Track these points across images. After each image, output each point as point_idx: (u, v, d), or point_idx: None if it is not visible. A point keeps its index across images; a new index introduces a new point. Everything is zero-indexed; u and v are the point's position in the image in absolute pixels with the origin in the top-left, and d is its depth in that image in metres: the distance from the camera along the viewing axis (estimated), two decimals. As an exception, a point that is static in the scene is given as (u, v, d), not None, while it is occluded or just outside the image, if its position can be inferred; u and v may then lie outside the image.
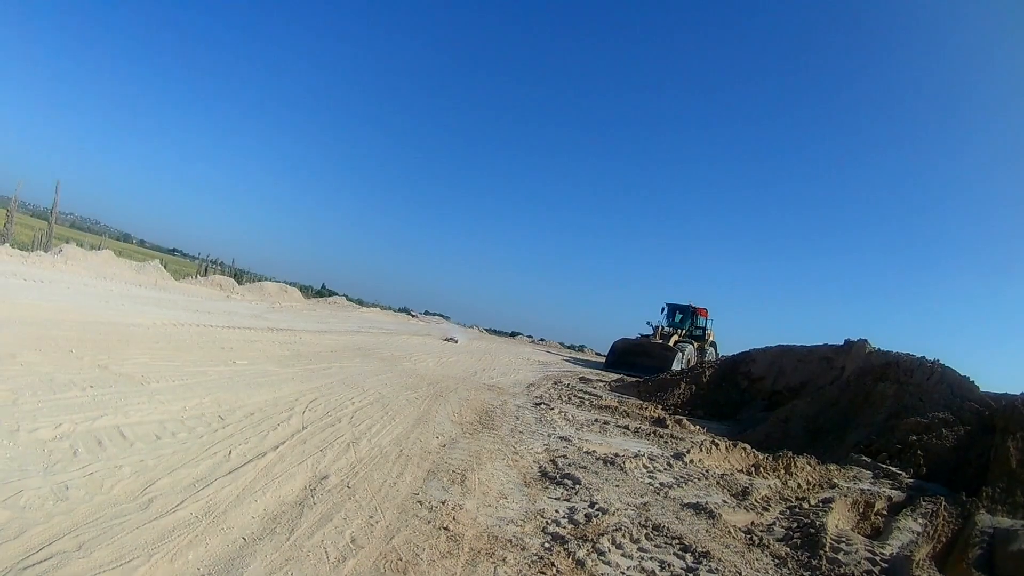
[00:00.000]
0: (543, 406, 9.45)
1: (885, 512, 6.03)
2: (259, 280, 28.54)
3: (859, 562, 4.14)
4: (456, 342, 20.34)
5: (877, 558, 4.30)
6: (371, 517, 3.59)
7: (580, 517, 4.23)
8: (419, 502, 3.99)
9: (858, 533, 5.23)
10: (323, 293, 37.74)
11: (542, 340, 50.21)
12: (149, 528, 2.90)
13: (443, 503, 4.04)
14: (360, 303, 37.92)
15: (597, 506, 4.53)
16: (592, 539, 3.82)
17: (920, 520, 5.57)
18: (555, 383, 14.13)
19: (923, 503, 6.17)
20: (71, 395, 4.41)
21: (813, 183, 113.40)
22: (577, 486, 4.99)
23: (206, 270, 26.52)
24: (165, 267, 19.97)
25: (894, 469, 7.59)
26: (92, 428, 3.92)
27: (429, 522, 3.68)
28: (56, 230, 19.27)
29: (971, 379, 9.65)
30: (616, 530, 4.03)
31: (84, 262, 15.30)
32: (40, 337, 5.93)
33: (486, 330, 47.28)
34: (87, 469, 3.33)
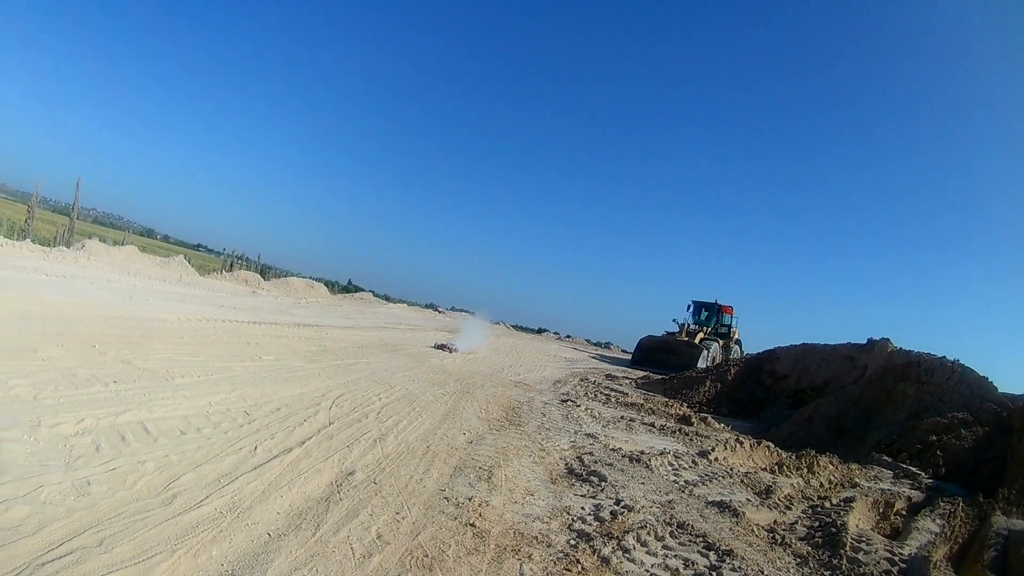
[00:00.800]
0: (570, 403, 9.22)
1: (904, 512, 5.89)
2: (285, 276, 27.56)
3: (878, 562, 4.02)
4: (452, 351, 13.45)
5: (896, 558, 4.18)
6: (397, 513, 3.44)
7: (606, 514, 4.10)
8: (446, 498, 3.84)
9: (878, 533, 5.09)
10: (349, 289, 36.24)
11: (568, 337, 48.25)
12: (172, 524, 2.76)
13: (470, 499, 3.88)
14: (387, 299, 36.60)
15: (623, 503, 4.39)
16: (617, 536, 3.70)
17: (938, 521, 5.41)
18: (581, 380, 13.76)
19: (941, 504, 5.99)
20: (94, 390, 4.24)
21: (841, 184, 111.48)
22: (603, 483, 4.83)
23: (231, 266, 25.31)
24: (190, 262, 19.16)
25: (914, 469, 7.39)
26: (115, 423, 3.76)
27: (456, 518, 3.53)
28: (78, 226, 18.61)
29: (990, 380, 9.43)
30: (641, 527, 3.92)
31: (107, 257, 14.78)
32: (62, 332, 5.76)
33: (513, 326, 45.62)
34: (110, 464, 3.18)
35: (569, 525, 3.80)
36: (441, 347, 13.71)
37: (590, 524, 3.87)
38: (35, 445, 3.17)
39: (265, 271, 27.04)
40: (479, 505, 3.79)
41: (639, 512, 4.22)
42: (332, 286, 31.96)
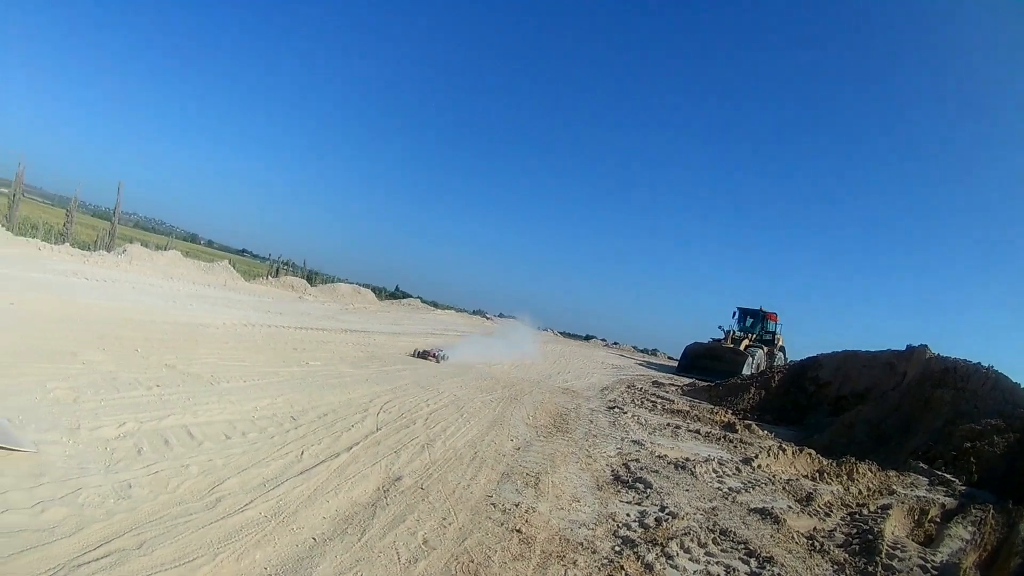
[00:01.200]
0: (616, 410, 8.79)
1: (938, 519, 5.56)
2: (332, 281, 25.75)
3: (912, 569, 3.93)
4: (440, 360, 9.64)
5: (928, 565, 4.04)
6: (444, 519, 3.17)
7: (650, 521, 3.85)
8: (492, 504, 3.56)
9: (912, 540, 4.83)
10: (397, 295, 34.38)
11: (615, 343, 46.47)
12: (215, 527, 2.52)
13: (516, 505, 3.61)
14: (434, 305, 34.39)
15: (667, 510, 4.10)
16: (661, 543, 3.48)
17: (970, 528, 5.15)
18: (628, 387, 13.25)
19: (973, 511, 5.66)
20: (136, 394, 3.99)
21: (885, 191, 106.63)
22: (648, 490, 4.53)
23: (277, 271, 23.85)
24: (234, 268, 18.13)
25: (948, 476, 6.98)
26: (158, 427, 3.51)
27: (502, 524, 3.27)
28: (120, 230, 17.64)
29: (1023, 386, 8.96)
30: (685, 534, 3.70)
31: (149, 262, 13.96)
32: (103, 336, 5.51)
33: (560, 333, 43.63)
34: (152, 468, 2.94)
35: (614, 531, 3.55)
36: (423, 355, 9.67)
37: (635, 531, 3.63)
38: (74, 448, 2.93)
39: (312, 277, 25.41)
40: (526, 511, 3.51)
41: (683, 519, 3.95)
42: (380, 292, 30.33)
